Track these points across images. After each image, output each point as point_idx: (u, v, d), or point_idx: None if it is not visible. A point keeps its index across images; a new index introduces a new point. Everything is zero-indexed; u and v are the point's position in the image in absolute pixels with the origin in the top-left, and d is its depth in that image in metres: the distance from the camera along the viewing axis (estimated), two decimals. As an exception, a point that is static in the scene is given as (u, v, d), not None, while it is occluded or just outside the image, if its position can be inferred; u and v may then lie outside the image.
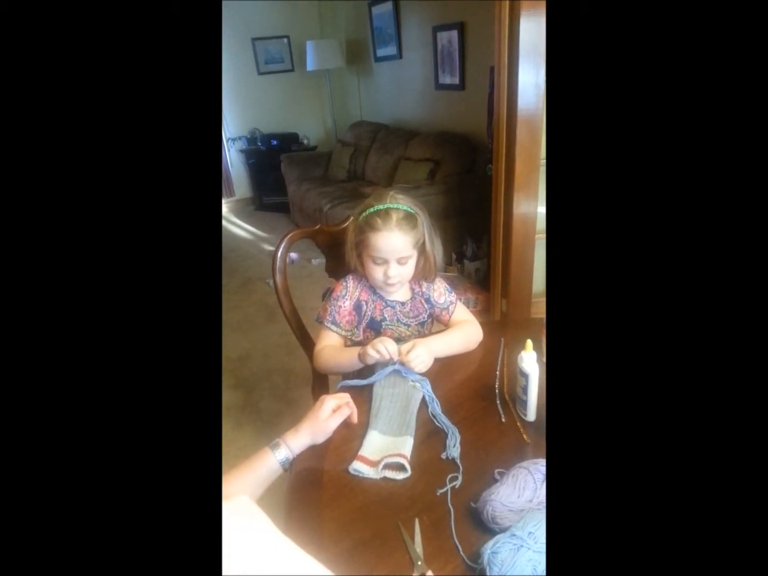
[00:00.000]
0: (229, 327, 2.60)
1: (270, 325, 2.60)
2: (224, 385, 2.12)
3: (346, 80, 4.62)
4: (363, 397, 0.92)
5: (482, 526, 0.64)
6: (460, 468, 0.74)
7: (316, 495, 0.73)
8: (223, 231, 4.16)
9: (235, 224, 4.47)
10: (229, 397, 2.05)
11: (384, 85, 4.10)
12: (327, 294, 1.17)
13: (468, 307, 1.20)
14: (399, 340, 1.01)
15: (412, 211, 1.02)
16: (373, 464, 0.76)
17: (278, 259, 1.20)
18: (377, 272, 1.03)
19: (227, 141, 4.75)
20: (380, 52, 3.93)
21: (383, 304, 1.11)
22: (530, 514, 0.60)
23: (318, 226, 1.26)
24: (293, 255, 3.33)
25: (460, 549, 0.62)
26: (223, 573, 0.41)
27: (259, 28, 4.48)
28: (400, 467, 0.75)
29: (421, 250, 1.05)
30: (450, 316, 1.13)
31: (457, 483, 0.72)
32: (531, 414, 0.84)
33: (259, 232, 4.20)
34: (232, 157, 4.85)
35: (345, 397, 0.85)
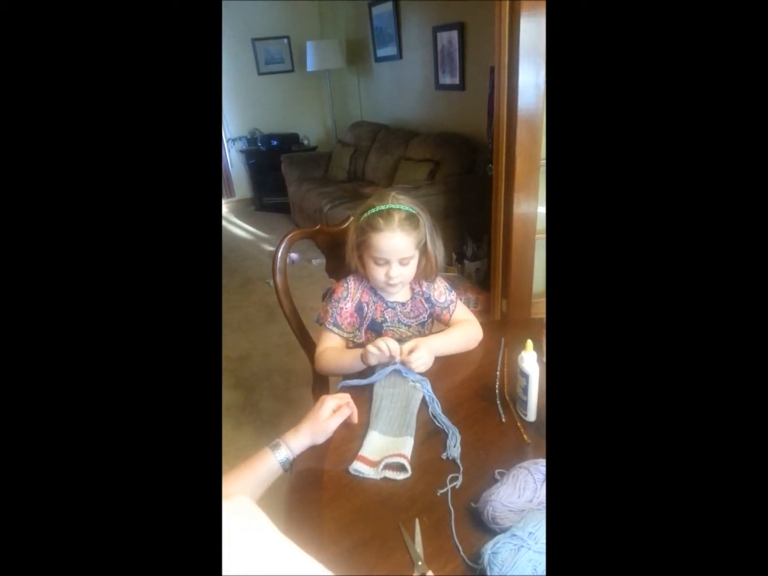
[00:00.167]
0: (229, 327, 2.60)
1: (270, 325, 2.61)
2: (224, 385, 2.12)
3: (346, 80, 4.62)
4: (363, 397, 0.92)
5: (482, 527, 0.63)
6: (461, 468, 0.74)
7: (317, 495, 0.73)
8: (223, 231, 4.16)
9: (235, 224, 4.47)
10: (229, 397, 2.05)
11: (384, 86, 4.10)
12: (327, 295, 1.17)
13: (468, 307, 1.20)
14: (400, 340, 1.01)
15: (414, 211, 1.02)
16: (374, 464, 0.76)
17: (278, 260, 1.20)
18: (379, 273, 1.03)
19: (227, 141, 4.76)
20: (380, 53, 3.93)
21: (384, 305, 1.11)
22: (530, 514, 0.60)
23: (318, 227, 1.25)
24: (293, 255, 3.33)
25: (461, 549, 0.62)
26: (223, 573, 0.41)
27: (259, 29, 4.48)
28: (401, 467, 0.75)
29: (423, 250, 1.05)
30: (451, 315, 1.13)
31: (458, 483, 0.72)
32: (531, 414, 0.84)
33: (259, 233, 4.20)
34: (232, 157, 4.86)
35: (345, 398, 0.85)
